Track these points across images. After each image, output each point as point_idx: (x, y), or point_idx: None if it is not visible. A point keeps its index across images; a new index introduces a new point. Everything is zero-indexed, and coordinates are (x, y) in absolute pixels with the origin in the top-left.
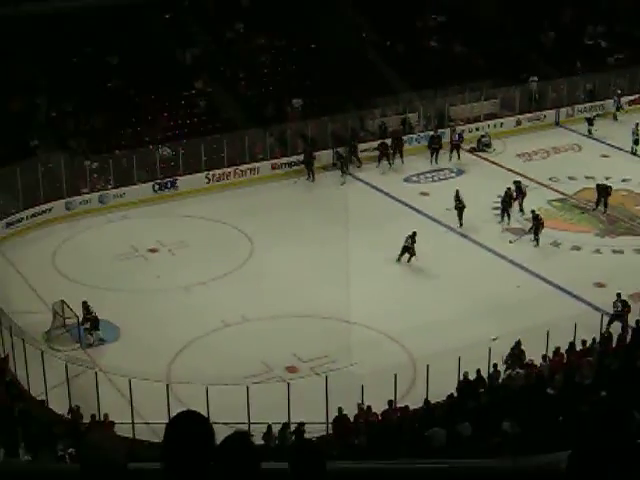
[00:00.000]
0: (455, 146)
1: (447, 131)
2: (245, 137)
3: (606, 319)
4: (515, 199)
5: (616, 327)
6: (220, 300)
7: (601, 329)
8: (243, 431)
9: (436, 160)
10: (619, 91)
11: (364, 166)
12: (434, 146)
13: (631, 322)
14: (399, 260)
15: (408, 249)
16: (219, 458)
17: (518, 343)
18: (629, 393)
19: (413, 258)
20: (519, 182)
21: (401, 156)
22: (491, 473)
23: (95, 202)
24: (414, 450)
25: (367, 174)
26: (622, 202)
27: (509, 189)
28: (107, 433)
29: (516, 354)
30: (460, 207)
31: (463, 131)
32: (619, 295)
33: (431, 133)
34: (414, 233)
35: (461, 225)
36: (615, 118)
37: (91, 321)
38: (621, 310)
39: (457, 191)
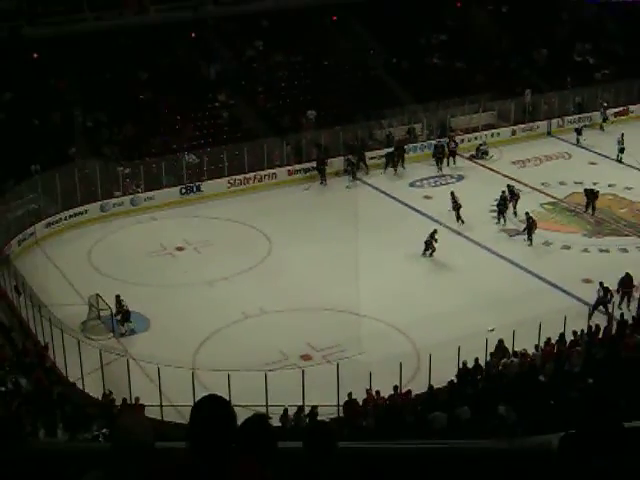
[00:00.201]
0: (452, 152)
1: (446, 140)
2: (264, 145)
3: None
4: (509, 202)
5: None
6: (241, 294)
7: (589, 321)
8: (261, 413)
9: (440, 168)
10: (605, 104)
11: (372, 172)
12: (438, 155)
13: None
14: (424, 255)
15: (429, 245)
16: (240, 437)
17: (501, 341)
18: (613, 380)
19: (434, 253)
20: (512, 187)
21: (402, 163)
22: (488, 453)
23: (127, 204)
24: (417, 432)
25: (375, 179)
26: (608, 205)
27: (504, 192)
28: (138, 415)
29: (500, 348)
30: (457, 207)
31: (462, 140)
32: (601, 283)
33: (434, 143)
34: (434, 231)
35: (463, 222)
36: (602, 129)
37: (123, 313)
38: (604, 296)
39: (452, 192)
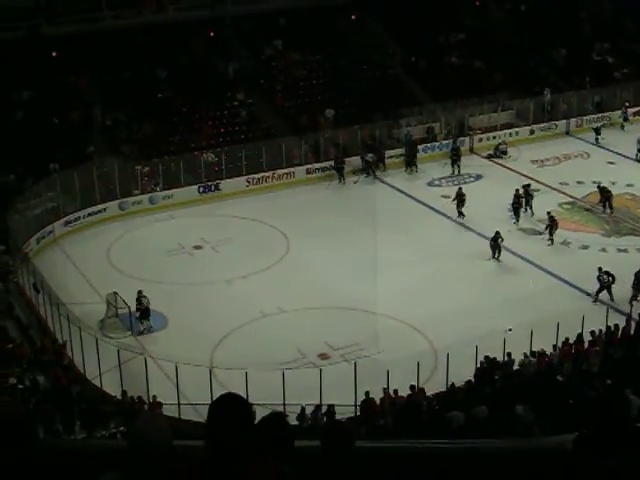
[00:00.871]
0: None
1: (467, 139)
2: (282, 144)
3: (611, 313)
4: (523, 201)
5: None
6: (259, 292)
7: (607, 321)
8: (279, 412)
9: (458, 170)
10: (627, 103)
11: (390, 171)
12: (454, 157)
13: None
14: (493, 258)
15: (494, 247)
16: (257, 436)
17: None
18: (631, 380)
19: (500, 255)
20: (527, 186)
21: (415, 163)
22: (504, 452)
23: (146, 203)
24: (435, 430)
25: (393, 178)
26: (627, 205)
27: (517, 191)
28: (155, 415)
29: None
30: (461, 201)
31: (480, 139)
32: (600, 269)
33: (451, 145)
34: (497, 233)
35: (463, 217)
36: (622, 128)
37: (142, 311)
38: (607, 281)
39: (460, 188)
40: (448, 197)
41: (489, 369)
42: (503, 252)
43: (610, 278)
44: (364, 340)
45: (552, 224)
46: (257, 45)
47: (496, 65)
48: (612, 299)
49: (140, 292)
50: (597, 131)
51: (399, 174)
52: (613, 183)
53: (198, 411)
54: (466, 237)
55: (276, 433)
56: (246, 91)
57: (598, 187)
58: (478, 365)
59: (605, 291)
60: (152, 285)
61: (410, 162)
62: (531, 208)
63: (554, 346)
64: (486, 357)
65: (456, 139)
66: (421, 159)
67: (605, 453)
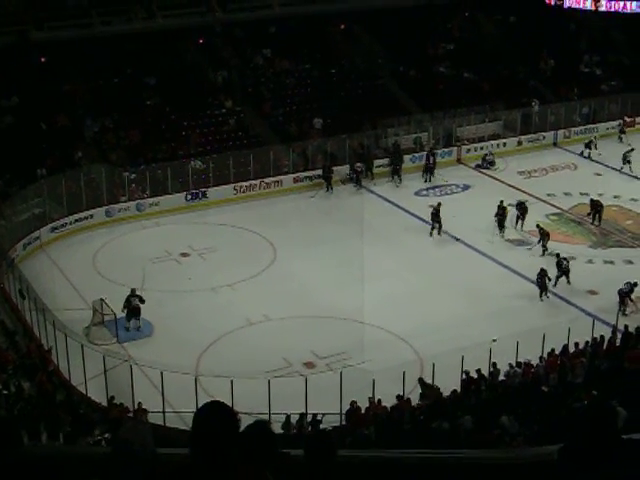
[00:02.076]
0: (429, 169)
1: (454, 150)
2: (270, 152)
3: (597, 324)
4: (519, 216)
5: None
6: (245, 300)
7: (592, 333)
8: (263, 420)
9: (429, 178)
10: (627, 118)
11: (377, 180)
12: (429, 165)
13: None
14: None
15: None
16: (242, 443)
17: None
18: (617, 391)
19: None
20: (523, 202)
21: (399, 173)
22: (489, 463)
23: (133, 210)
24: (419, 441)
25: (380, 187)
26: (613, 217)
27: (501, 202)
28: (140, 421)
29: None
30: (438, 221)
31: (468, 150)
32: (558, 255)
33: (426, 152)
34: (439, 204)
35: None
36: (620, 140)
37: (130, 310)
38: (565, 266)
39: (439, 203)
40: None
41: (475, 379)
42: (489, 262)
43: (569, 264)
44: (350, 349)
45: (543, 236)
46: (246, 53)
47: (484, 76)
48: (568, 282)
49: (133, 291)
50: (588, 146)
51: (386, 183)
52: (600, 195)
53: (183, 419)
54: (453, 247)
55: (261, 441)
56: (235, 99)
57: (591, 200)
58: (463, 375)
59: (564, 277)
60: (138, 292)
61: (395, 171)
62: (522, 224)
63: (540, 357)
64: (466, 372)
65: (433, 149)
66: (408, 169)
67: (590, 465)
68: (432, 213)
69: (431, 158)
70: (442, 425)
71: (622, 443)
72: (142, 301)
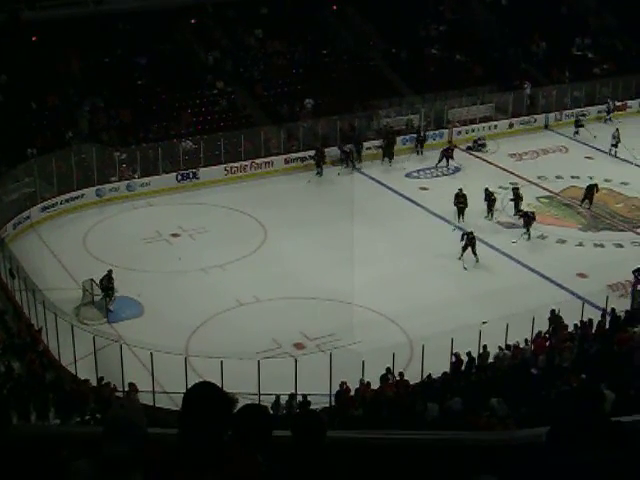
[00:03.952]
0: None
1: (445, 132)
2: (261, 133)
3: (587, 307)
4: (513, 202)
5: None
6: (235, 281)
7: (582, 316)
8: (261, 404)
9: (420, 152)
10: (610, 101)
11: (368, 162)
12: (420, 138)
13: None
14: (460, 258)
15: (466, 247)
16: (237, 425)
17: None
18: (605, 374)
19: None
20: (517, 188)
21: (391, 155)
22: (478, 444)
23: (123, 190)
24: (409, 422)
25: (370, 169)
26: (604, 200)
27: (487, 189)
28: (130, 400)
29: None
30: (461, 206)
31: (459, 132)
32: (487, 189)
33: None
34: (471, 233)
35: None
36: (610, 120)
37: (108, 289)
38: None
39: (461, 189)
40: (426, 189)
41: (464, 362)
42: (480, 245)
43: (494, 197)
44: (340, 330)
45: (528, 220)
46: (238, 34)
47: (476, 58)
48: (491, 217)
49: (110, 272)
50: (577, 124)
51: (377, 165)
52: (591, 178)
53: (173, 399)
54: (443, 230)
55: (257, 425)
56: (226, 80)
57: (588, 186)
58: (453, 357)
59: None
60: (129, 272)
61: (387, 153)
62: (517, 211)
63: (526, 340)
64: (456, 354)
65: (423, 129)
66: (399, 151)
67: (579, 447)
68: (458, 204)
69: (422, 133)
70: (431, 406)
71: (610, 425)
72: (110, 282)
